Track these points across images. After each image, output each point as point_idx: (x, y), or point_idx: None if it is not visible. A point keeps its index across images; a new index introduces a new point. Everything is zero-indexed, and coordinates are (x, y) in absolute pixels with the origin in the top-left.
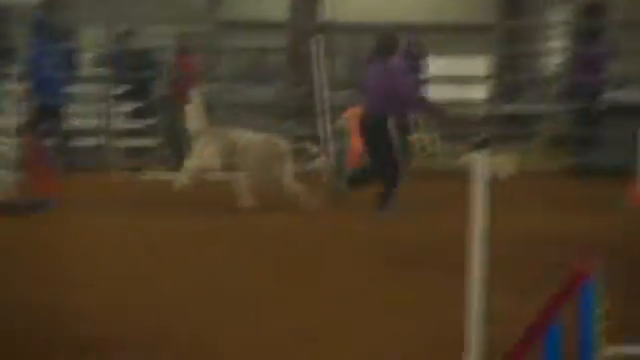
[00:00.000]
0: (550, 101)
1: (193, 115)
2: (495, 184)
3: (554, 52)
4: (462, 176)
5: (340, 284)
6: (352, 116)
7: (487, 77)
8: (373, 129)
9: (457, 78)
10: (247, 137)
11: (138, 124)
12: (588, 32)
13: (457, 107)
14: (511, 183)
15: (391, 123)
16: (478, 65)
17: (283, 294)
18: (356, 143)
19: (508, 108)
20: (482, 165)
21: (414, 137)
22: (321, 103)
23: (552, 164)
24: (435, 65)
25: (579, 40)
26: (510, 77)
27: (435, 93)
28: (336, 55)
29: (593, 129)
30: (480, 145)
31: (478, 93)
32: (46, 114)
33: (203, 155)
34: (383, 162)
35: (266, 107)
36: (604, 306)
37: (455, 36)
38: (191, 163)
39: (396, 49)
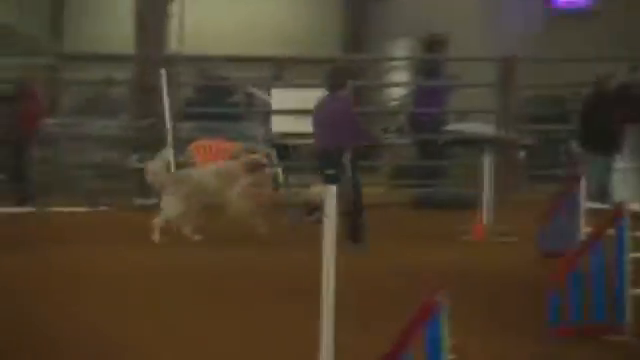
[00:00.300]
0: (393, 133)
1: (156, 170)
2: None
3: (397, 85)
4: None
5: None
6: (198, 148)
7: None
8: (332, 161)
9: (302, 111)
10: (200, 171)
11: None
12: (429, 66)
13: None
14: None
15: (346, 156)
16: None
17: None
18: None
19: None
20: (331, 199)
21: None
22: (167, 135)
23: (395, 196)
24: (280, 98)
25: (420, 74)
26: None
27: (280, 126)
28: (182, 86)
29: (435, 161)
30: (330, 179)
31: None
32: None
33: (173, 205)
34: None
35: (112, 139)
36: (451, 338)
37: (300, 69)
38: (165, 214)
39: (347, 82)
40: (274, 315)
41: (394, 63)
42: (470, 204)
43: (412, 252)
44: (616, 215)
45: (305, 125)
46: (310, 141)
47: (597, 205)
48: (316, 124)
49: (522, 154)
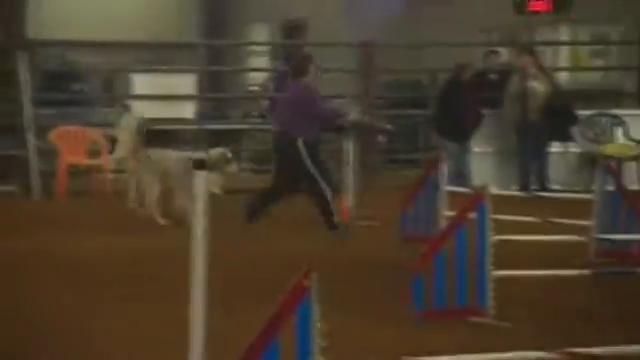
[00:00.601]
0: (255, 119)
1: (124, 141)
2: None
3: (257, 70)
4: None
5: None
6: (60, 134)
7: (194, 95)
8: (287, 149)
9: (164, 96)
10: (167, 157)
11: None
12: (289, 51)
13: (165, 125)
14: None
15: (301, 142)
16: (185, 83)
17: None
18: (65, 161)
19: (215, 125)
20: (201, 185)
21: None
22: (26, 120)
23: (258, 181)
24: (142, 83)
25: (280, 59)
26: (216, 95)
27: (143, 111)
28: (42, 72)
29: None
30: (197, 165)
31: (185, 111)
32: None
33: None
34: (294, 181)
35: None
36: (322, 323)
37: (161, 54)
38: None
39: (309, 69)
40: (146, 300)
41: (254, 48)
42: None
43: (276, 236)
44: (477, 199)
45: (166, 110)
46: (172, 126)
47: (456, 189)
48: (277, 108)
49: (382, 139)
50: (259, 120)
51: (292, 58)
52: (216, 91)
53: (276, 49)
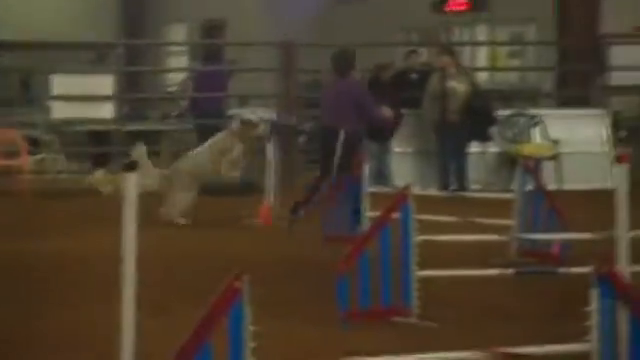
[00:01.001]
0: (174, 119)
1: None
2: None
3: (176, 70)
4: (91, 195)
5: None
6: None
7: (112, 96)
8: (329, 141)
9: (83, 97)
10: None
11: None
12: (208, 51)
13: (82, 125)
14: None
15: (341, 134)
16: (104, 84)
17: None
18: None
19: (133, 126)
20: (130, 186)
21: (39, 156)
22: None
23: None
24: (60, 83)
25: (200, 58)
26: (134, 95)
27: (60, 112)
28: None
29: None
30: (128, 166)
31: (104, 111)
32: None
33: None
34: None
35: None
36: (254, 324)
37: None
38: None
39: (354, 65)
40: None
41: (173, 48)
42: (254, 189)
43: (202, 238)
44: (401, 199)
45: (85, 111)
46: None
47: (377, 189)
48: (323, 103)
49: (302, 139)
50: (177, 121)
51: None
52: (135, 92)
53: (195, 49)
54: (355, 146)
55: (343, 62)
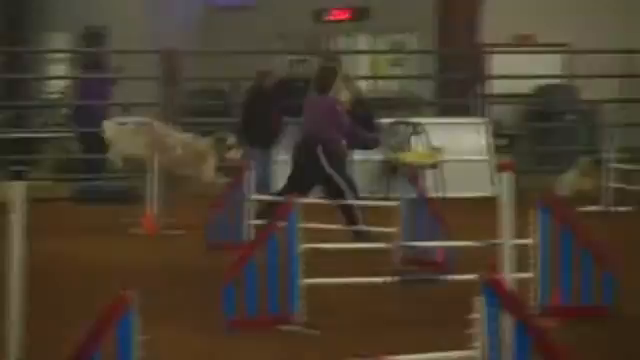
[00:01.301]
0: (55, 126)
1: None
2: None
3: (57, 78)
4: None
5: None
6: None
7: None
8: (307, 152)
9: None
10: (174, 136)
11: None
12: (89, 59)
13: None
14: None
15: (320, 149)
16: None
17: None
18: None
19: (14, 133)
20: (20, 194)
21: None
22: None
23: (60, 190)
24: None
25: (81, 66)
26: (14, 103)
27: None
28: None
29: (99, 154)
30: (15, 176)
31: None
32: None
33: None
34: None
35: None
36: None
37: None
38: None
39: (333, 84)
40: None
41: (53, 56)
42: (135, 197)
43: (85, 247)
44: (287, 207)
45: None
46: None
47: (261, 197)
48: (305, 116)
49: None
50: (60, 128)
51: (95, 65)
52: (15, 99)
53: (76, 57)
54: (342, 161)
55: (321, 81)
